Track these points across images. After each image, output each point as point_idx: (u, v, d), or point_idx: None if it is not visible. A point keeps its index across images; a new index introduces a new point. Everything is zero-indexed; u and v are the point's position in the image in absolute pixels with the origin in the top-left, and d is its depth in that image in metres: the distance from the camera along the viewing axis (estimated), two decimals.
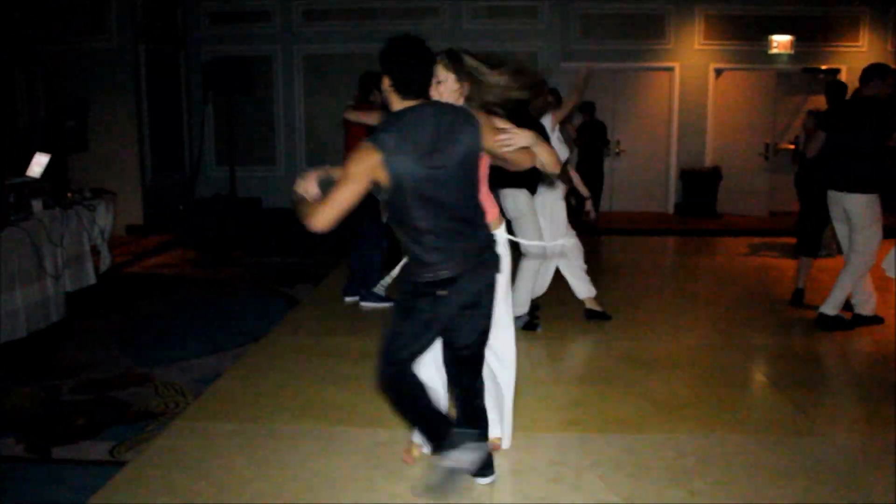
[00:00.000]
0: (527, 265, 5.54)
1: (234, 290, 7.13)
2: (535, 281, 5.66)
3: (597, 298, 5.97)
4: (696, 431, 3.91)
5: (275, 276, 7.57)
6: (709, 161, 11.71)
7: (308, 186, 2.98)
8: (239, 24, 11.41)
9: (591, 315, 5.94)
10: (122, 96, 9.79)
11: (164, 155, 10.62)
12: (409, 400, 3.15)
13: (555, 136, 5.56)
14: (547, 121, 5.50)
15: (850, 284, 5.63)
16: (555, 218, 5.75)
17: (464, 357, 3.21)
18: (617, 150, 11.74)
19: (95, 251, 7.02)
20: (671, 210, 11.82)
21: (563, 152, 5.68)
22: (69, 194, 6.86)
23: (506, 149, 3.07)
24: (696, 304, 6.63)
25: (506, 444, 3.70)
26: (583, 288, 5.91)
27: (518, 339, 5.28)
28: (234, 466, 3.51)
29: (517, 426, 3.88)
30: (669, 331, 5.75)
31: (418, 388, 3.14)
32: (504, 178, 5.36)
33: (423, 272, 2.95)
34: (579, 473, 3.47)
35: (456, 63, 3.20)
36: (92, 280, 6.73)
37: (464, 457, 3.06)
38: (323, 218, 2.79)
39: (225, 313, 6.30)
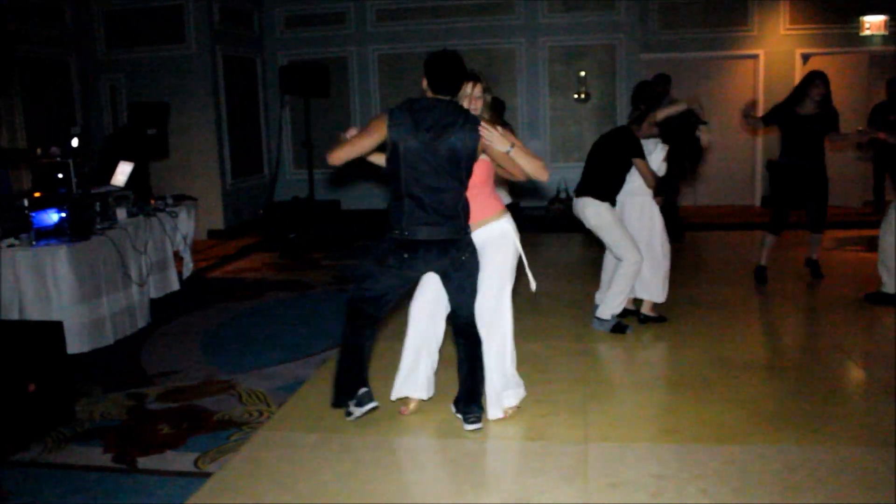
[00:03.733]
0: (623, 269, 5.33)
1: (315, 294, 7.09)
2: (631, 285, 5.42)
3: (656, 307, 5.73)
4: (804, 442, 3.65)
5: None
6: None
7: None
8: (314, 27, 11.44)
9: (646, 320, 5.68)
10: (201, 102, 9.92)
11: (243, 159, 10.74)
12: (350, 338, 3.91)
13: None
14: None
15: None
16: (654, 223, 5.54)
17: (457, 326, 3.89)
18: None
19: (178, 257, 7.11)
20: (758, 203, 11.37)
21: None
22: (152, 201, 6.95)
23: (486, 142, 3.63)
24: (786, 303, 6.32)
25: (492, 414, 3.95)
26: (656, 292, 5.65)
27: (605, 343, 5.24)
28: (320, 479, 3.42)
29: (612, 436, 3.75)
30: (763, 332, 5.49)
31: (363, 335, 3.91)
32: (590, 187, 5.25)
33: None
34: (681, 487, 3.26)
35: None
36: (176, 286, 6.81)
37: (360, 411, 3.93)
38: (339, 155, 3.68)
39: (306, 317, 6.26)
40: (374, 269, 3.80)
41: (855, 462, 3.44)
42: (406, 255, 3.66)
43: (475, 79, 3.90)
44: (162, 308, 6.41)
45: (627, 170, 5.34)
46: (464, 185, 3.70)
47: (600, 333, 5.43)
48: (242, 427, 4.08)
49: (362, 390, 3.93)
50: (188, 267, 7.32)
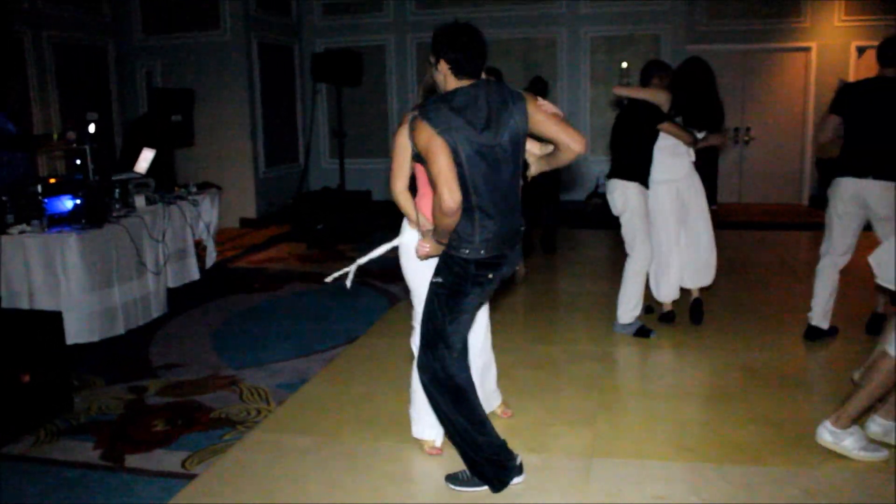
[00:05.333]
0: (632, 266, 5.11)
1: (335, 287, 6.91)
2: (644, 283, 5.19)
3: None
4: (828, 466, 3.36)
5: (379, 272, 7.35)
6: None
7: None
8: (352, 15, 11.30)
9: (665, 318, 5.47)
10: (235, 89, 9.84)
11: (278, 148, 10.65)
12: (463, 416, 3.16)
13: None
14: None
15: None
16: (696, 204, 5.31)
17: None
18: (746, 139, 10.93)
19: (201, 246, 7.02)
20: (806, 202, 10.91)
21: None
22: (176, 189, 6.88)
23: (548, 111, 3.05)
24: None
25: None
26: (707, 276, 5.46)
27: (626, 347, 4.99)
28: (305, 488, 3.26)
29: (619, 451, 3.53)
30: (800, 341, 5.12)
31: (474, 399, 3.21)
32: (617, 169, 5.02)
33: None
34: None
35: None
36: (195, 276, 6.72)
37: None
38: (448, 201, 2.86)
39: (323, 311, 6.11)
40: (452, 308, 3.06)
41: (884, 491, 3.16)
42: (491, 275, 3.06)
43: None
44: (179, 298, 6.33)
45: (652, 142, 5.10)
46: (521, 172, 3.15)
47: (621, 337, 5.18)
48: (237, 426, 3.95)
49: (519, 459, 3.24)
50: (211, 256, 7.24)
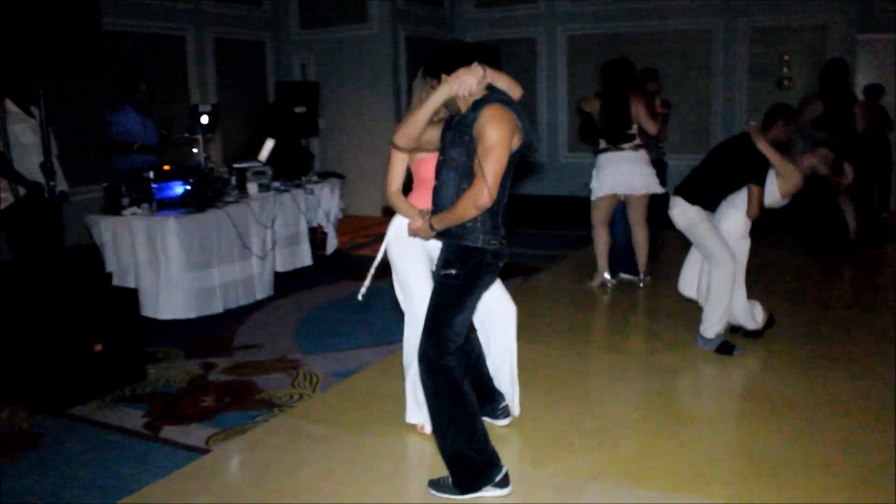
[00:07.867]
0: (717, 275, 4.75)
1: None
2: (731, 293, 4.81)
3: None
4: None
5: None
6: None
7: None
8: (504, 7, 11.30)
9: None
10: (381, 81, 10.15)
11: None
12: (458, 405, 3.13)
13: None
14: None
15: None
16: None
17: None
18: None
19: (322, 233, 7.33)
20: None
21: None
22: (302, 177, 7.21)
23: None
24: None
25: (516, 411, 3.82)
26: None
27: (701, 364, 4.65)
28: (298, 475, 3.35)
29: (624, 477, 3.32)
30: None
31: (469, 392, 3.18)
32: (690, 190, 4.74)
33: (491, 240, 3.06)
34: None
35: None
36: (308, 261, 7.00)
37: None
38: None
39: None
40: (464, 300, 3.09)
41: None
42: (500, 263, 3.16)
43: None
44: (288, 282, 6.65)
45: (737, 185, 4.76)
46: None
47: (702, 353, 4.84)
48: (274, 409, 4.10)
49: (503, 471, 3.15)
50: (332, 243, 7.52)
